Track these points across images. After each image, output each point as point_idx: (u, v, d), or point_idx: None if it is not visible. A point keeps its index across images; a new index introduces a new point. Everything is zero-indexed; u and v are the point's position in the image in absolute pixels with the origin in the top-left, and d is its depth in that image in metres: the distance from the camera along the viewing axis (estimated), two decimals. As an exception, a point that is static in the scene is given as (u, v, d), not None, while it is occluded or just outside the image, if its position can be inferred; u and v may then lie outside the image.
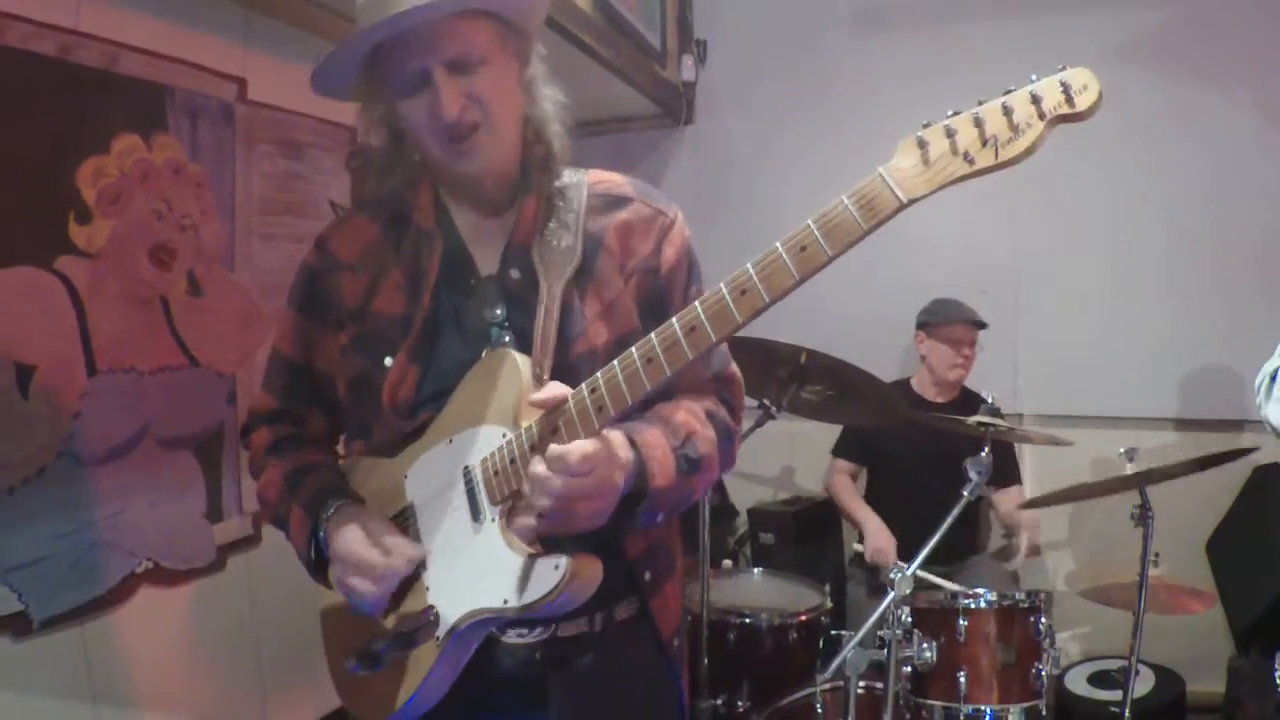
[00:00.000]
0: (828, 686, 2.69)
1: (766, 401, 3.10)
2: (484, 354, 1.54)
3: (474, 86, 1.49)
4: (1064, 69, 1.10)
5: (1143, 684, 3.68)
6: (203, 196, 2.89)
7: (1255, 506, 3.93)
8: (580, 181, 1.65)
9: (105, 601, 2.57)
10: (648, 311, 1.58)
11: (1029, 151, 1.09)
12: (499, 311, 1.58)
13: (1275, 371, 2.15)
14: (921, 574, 2.91)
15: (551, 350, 1.52)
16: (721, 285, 1.25)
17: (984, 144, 1.11)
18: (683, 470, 1.49)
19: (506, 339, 1.56)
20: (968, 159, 1.12)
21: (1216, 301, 4.09)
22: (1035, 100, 1.09)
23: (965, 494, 2.68)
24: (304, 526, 1.63)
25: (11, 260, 2.35)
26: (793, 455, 4.82)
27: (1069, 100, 1.08)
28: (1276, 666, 2.63)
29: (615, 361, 1.34)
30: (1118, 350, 4.25)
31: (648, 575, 1.65)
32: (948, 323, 3.99)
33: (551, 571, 1.39)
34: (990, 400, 3.10)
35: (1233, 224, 4.06)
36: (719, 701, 2.99)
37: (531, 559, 1.41)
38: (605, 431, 1.37)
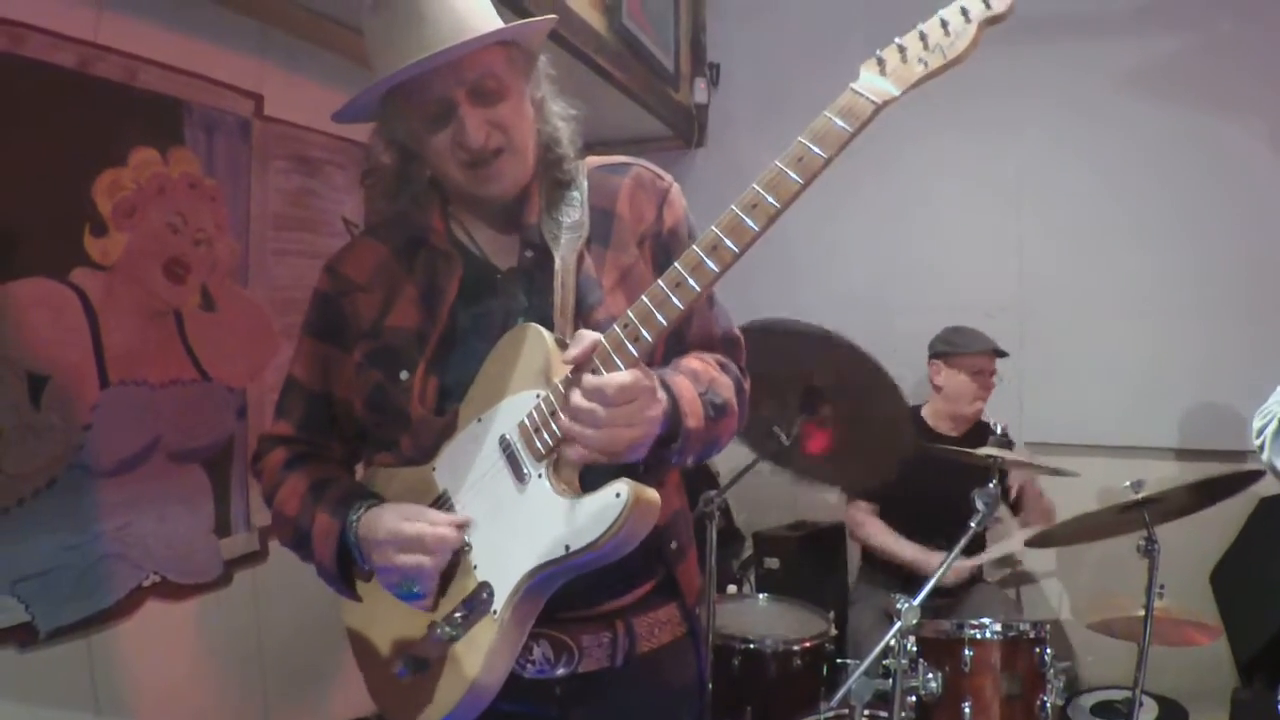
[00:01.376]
0: (832, 714, 2.70)
1: (776, 429, 3.10)
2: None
3: (496, 113, 1.54)
4: None
5: (1146, 715, 3.67)
6: (217, 211, 2.90)
7: (1260, 538, 3.92)
8: (579, 166, 1.71)
9: (111, 614, 2.57)
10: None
11: (970, 48, 1.26)
12: (523, 300, 1.61)
13: None
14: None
15: (571, 316, 1.55)
16: (732, 206, 1.33)
17: (930, 50, 1.28)
18: (710, 415, 1.54)
19: (520, 320, 1.57)
20: (921, 62, 1.28)
21: (1227, 330, 4.08)
22: (964, 11, 1.27)
23: (973, 525, 2.67)
24: (329, 533, 1.61)
25: (26, 271, 2.36)
26: (798, 481, 4.80)
27: (988, 5, 1.26)
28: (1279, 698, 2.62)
29: (643, 295, 1.38)
30: (1125, 379, 4.24)
31: (673, 544, 1.69)
32: (969, 353, 3.86)
33: (613, 500, 1.37)
34: (1000, 431, 3.09)
35: (1249, 252, 4.06)
36: (723, 727, 2.98)
37: (588, 498, 1.40)
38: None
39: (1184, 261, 4.16)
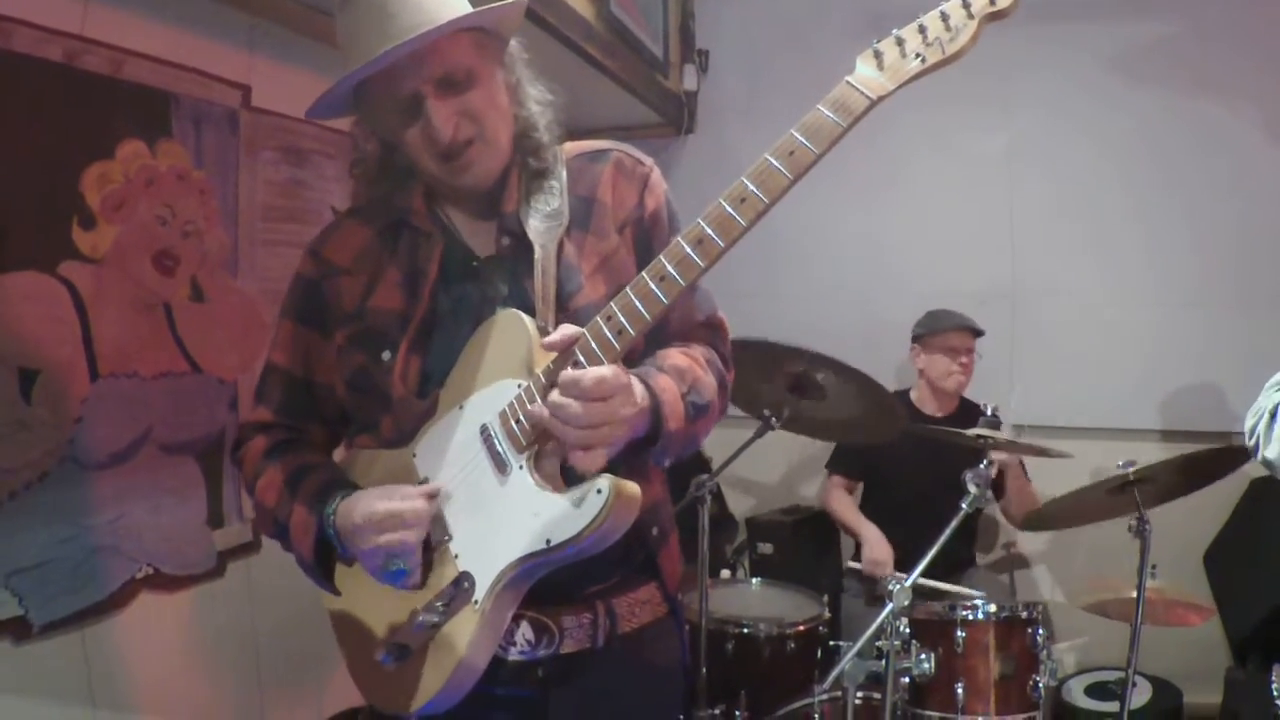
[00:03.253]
0: (825, 697, 2.70)
1: (767, 412, 3.10)
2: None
3: (465, 103, 1.52)
4: None
5: (1140, 695, 3.68)
6: (206, 203, 2.89)
7: (1252, 519, 3.94)
8: (557, 153, 1.68)
9: (105, 606, 2.57)
10: (642, 263, 1.56)
11: (969, 44, 1.25)
12: (502, 287, 1.60)
13: (1276, 409, 2.12)
14: (923, 581, 2.92)
15: (553, 303, 1.53)
16: (720, 199, 1.31)
17: (929, 45, 1.25)
18: (690, 416, 1.52)
19: (499, 308, 1.56)
20: (919, 58, 1.26)
21: (1220, 314, 4.10)
22: (965, 5, 1.26)
23: (964, 506, 2.67)
24: (307, 526, 1.60)
25: (16, 265, 2.35)
26: (792, 466, 4.83)
27: (991, 0, 1.25)
28: (1274, 678, 2.62)
29: (626, 288, 1.36)
30: (1116, 362, 4.25)
31: (655, 530, 1.68)
32: (942, 331, 3.95)
33: (594, 496, 1.36)
34: (990, 412, 3.09)
35: (1241, 237, 4.07)
36: (717, 711, 2.98)
37: (570, 492, 1.39)
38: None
39: (1177, 246, 4.17)
